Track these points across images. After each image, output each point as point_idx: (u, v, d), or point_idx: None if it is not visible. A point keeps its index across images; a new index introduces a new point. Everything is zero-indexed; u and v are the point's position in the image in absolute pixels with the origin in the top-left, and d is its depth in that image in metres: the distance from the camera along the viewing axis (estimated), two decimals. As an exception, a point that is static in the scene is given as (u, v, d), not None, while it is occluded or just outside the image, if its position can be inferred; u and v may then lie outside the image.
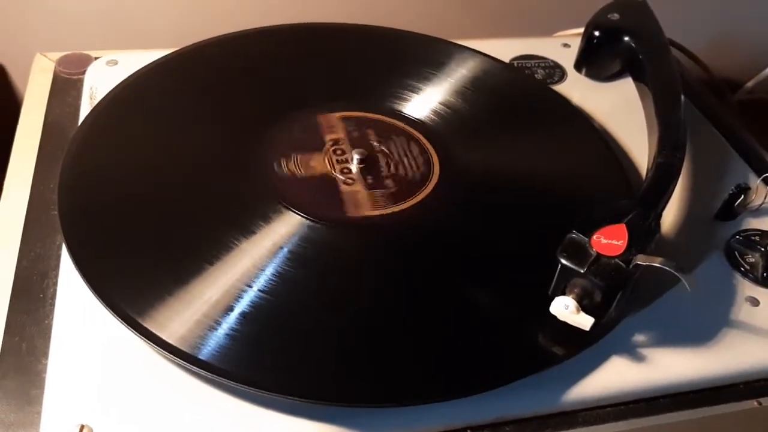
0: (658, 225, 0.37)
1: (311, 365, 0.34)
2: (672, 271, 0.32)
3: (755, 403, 0.37)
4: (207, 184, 0.42)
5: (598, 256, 0.34)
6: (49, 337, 0.35)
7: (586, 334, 0.35)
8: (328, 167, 0.44)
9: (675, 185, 0.40)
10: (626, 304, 0.37)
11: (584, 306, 0.34)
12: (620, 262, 0.34)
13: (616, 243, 0.34)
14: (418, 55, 0.53)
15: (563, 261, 0.34)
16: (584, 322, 0.34)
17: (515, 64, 0.57)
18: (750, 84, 0.84)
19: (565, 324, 0.35)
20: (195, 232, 0.39)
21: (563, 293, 0.35)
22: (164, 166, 0.43)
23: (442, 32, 0.56)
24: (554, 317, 0.35)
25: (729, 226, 0.45)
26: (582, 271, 0.34)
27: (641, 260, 0.33)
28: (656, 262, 0.33)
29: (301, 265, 0.38)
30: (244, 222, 0.39)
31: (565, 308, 0.34)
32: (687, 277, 0.32)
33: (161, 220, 0.40)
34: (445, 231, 0.41)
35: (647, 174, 0.41)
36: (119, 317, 0.34)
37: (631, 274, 0.34)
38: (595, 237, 0.34)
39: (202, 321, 0.35)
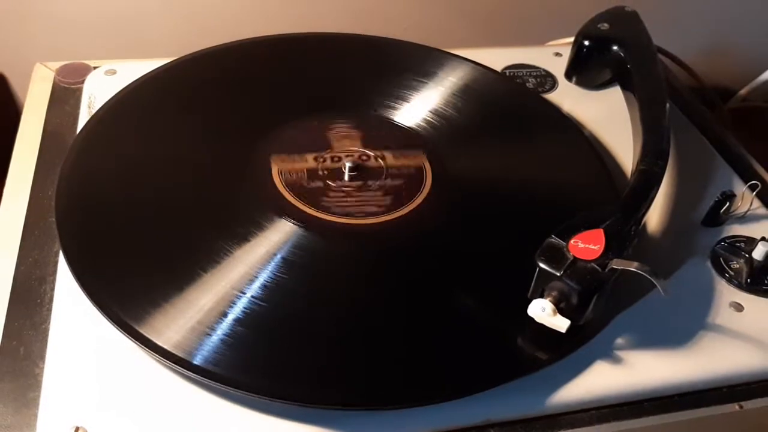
0: (636, 231, 0.37)
1: (302, 370, 0.35)
2: (646, 275, 0.33)
3: (737, 407, 0.37)
4: (203, 192, 0.43)
5: (575, 259, 0.35)
6: (46, 342, 0.36)
7: (571, 339, 0.36)
8: (340, 146, 0.46)
9: (656, 192, 0.41)
10: (605, 307, 0.37)
11: (561, 309, 0.35)
12: (596, 266, 0.34)
13: (593, 247, 0.35)
14: (411, 64, 0.54)
15: (541, 264, 0.35)
16: (560, 324, 0.35)
17: (507, 73, 0.58)
18: (743, 91, 0.85)
19: (550, 329, 0.36)
20: (191, 240, 0.40)
21: (541, 296, 0.36)
22: (161, 175, 0.44)
23: (435, 41, 0.57)
24: (539, 322, 0.36)
25: (715, 232, 0.45)
26: (558, 275, 0.34)
27: (617, 264, 0.34)
28: (632, 267, 0.33)
29: (294, 272, 0.38)
30: (239, 229, 0.40)
31: (541, 310, 0.35)
32: (661, 282, 0.33)
33: (157, 227, 0.41)
34: (435, 239, 0.42)
35: (629, 181, 0.42)
36: (115, 323, 0.35)
37: (606, 277, 0.34)
38: (572, 241, 0.35)
39: (197, 327, 0.35)
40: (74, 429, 0.32)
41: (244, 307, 0.36)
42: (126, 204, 0.42)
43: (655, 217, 0.46)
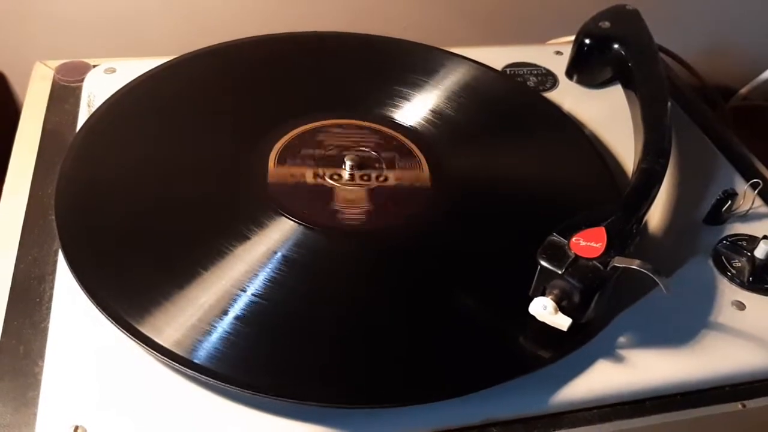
0: (638, 229, 0.37)
1: (303, 368, 0.35)
2: (648, 273, 0.33)
3: (739, 406, 0.37)
4: (203, 190, 0.43)
5: (577, 257, 0.35)
6: (46, 340, 0.36)
7: (572, 337, 0.36)
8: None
9: (657, 191, 0.40)
10: (608, 306, 0.37)
11: (563, 307, 0.35)
12: (598, 264, 0.34)
13: (594, 245, 0.34)
14: (411, 63, 0.54)
15: (542, 262, 0.35)
16: (562, 322, 0.35)
17: (508, 72, 0.58)
18: (744, 90, 0.85)
19: (551, 327, 0.36)
20: (190, 237, 0.40)
21: (543, 294, 0.35)
22: (160, 173, 0.44)
23: (436, 40, 0.57)
24: (540, 321, 0.36)
25: (716, 230, 0.45)
26: (560, 273, 0.34)
27: (619, 262, 0.34)
28: (633, 265, 0.33)
29: (294, 270, 0.38)
30: (239, 227, 0.40)
31: (543, 309, 0.35)
32: (663, 280, 0.33)
33: (157, 225, 0.41)
34: (435, 238, 0.42)
35: (631, 179, 0.42)
36: (114, 321, 0.35)
37: (608, 275, 0.34)
38: (574, 239, 0.35)
39: (197, 325, 0.35)
40: (74, 428, 0.32)
41: (245, 306, 0.36)
42: (126, 202, 0.42)
43: (656, 215, 0.46)
